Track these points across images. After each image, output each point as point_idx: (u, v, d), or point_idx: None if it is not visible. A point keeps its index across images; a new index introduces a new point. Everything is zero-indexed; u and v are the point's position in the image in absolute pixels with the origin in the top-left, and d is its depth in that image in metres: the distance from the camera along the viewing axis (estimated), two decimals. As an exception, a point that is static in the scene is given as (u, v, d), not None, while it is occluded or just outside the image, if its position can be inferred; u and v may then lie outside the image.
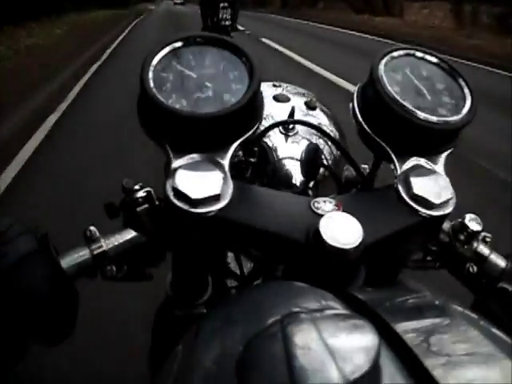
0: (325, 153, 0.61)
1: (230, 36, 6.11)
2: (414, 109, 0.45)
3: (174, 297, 0.51)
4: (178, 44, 0.45)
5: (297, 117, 0.60)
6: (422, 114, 0.45)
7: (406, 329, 0.26)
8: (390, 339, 0.25)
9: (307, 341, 0.22)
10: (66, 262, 0.41)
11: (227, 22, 6.80)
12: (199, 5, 7.44)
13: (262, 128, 0.54)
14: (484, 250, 0.47)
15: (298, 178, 0.56)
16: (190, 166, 0.40)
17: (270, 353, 0.23)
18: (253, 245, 0.43)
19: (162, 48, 0.44)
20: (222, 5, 6.73)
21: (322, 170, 0.60)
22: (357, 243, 0.36)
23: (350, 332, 0.23)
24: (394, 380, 0.23)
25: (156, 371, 0.60)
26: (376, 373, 0.22)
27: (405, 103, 0.45)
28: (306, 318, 0.24)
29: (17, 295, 0.37)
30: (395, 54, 0.49)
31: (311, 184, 0.56)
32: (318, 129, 0.58)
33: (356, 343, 0.22)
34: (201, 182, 0.39)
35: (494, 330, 0.29)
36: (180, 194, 0.39)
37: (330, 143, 0.61)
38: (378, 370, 0.22)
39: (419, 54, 0.49)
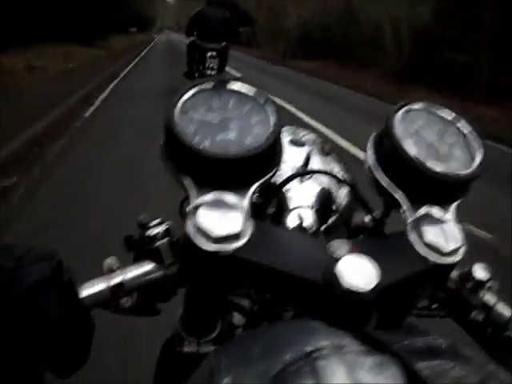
0: (337, 198, 0.62)
1: None
2: (428, 162, 0.46)
3: (182, 333, 0.52)
4: (206, 86, 0.47)
5: (312, 162, 0.63)
6: (436, 168, 0.46)
7: (425, 368, 0.27)
8: (410, 378, 0.26)
9: (338, 376, 0.23)
10: (84, 291, 0.42)
11: (213, 72, 6.65)
12: (186, 48, 7.44)
13: (280, 172, 0.56)
14: (490, 298, 0.48)
15: (309, 221, 0.57)
16: (211, 204, 0.42)
17: None
18: (269, 284, 0.44)
19: (189, 89, 0.46)
20: (209, 54, 6.64)
21: (333, 214, 0.61)
22: (373, 285, 0.37)
23: (377, 369, 0.24)
24: None
25: None
26: None
27: (419, 157, 0.47)
28: (334, 354, 0.25)
29: (32, 321, 0.37)
30: (410, 107, 0.51)
31: (322, 228, 0.58)
32: (334, 178, 0.60)
33: (384, 380, 0.23)
34: (221, 220, 0.40)
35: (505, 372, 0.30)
36: (201, 231, 0.40)
37: (341, 189, 0.62)
38: None
39: (432, 109, 0.52)
